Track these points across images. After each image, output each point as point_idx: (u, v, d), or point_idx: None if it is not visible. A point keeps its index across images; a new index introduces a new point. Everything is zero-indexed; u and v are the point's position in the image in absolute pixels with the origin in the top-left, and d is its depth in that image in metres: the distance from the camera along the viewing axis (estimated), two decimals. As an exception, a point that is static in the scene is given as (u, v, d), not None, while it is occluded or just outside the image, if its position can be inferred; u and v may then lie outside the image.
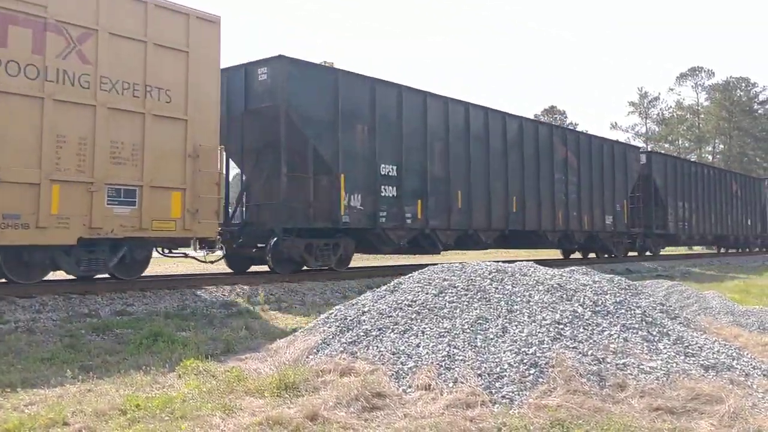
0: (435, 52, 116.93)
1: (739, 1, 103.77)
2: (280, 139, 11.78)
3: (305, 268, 12.48)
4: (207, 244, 10.32)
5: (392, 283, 6.18)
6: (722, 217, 29.01)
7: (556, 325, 5.05)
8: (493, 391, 4.33)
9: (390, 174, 13.23)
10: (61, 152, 8.41)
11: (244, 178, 13.52)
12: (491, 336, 4.98)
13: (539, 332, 4.95)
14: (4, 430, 3.69)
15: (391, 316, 5.43)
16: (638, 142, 66.25)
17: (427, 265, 6.75)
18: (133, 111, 9.13)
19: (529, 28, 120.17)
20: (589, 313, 5.32)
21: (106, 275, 9.82)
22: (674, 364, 4.70)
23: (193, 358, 5.34)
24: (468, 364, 4.62)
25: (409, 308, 5.50)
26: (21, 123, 8.13)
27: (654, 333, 5.19)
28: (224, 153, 10.60)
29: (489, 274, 5.97)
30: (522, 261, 6.86)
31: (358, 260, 20.12)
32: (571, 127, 19.61)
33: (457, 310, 5.39)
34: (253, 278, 11.90)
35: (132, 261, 9.66)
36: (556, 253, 23.47)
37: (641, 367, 4.62)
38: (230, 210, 13.26)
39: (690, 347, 5.08)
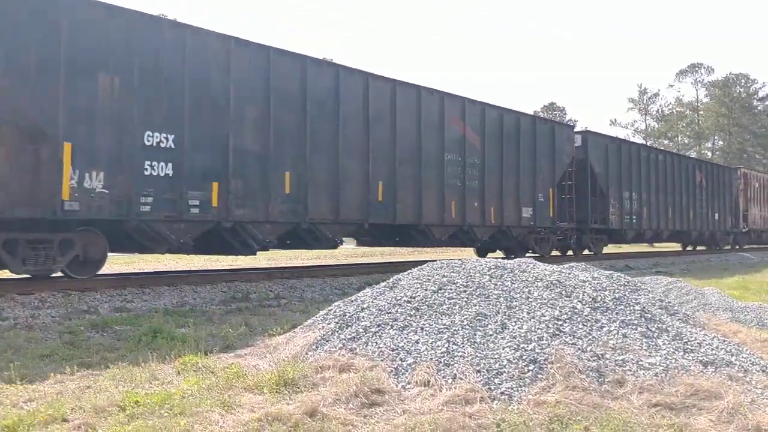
0: (435, 51, 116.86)
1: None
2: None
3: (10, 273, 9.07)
4: None
5: (391, 280, 6.18)
6: (683, 210, 25.17)
7: (555, 322, 5.05)
8: (492, 387, 4.33)
9: (162, 146, 9.57)
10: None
11: None
12: (490, 332, 4.98)
13: (538, 328, 4.95)
14: (3, 426, 3.69)
15: (390, 313, 5.42)
16: (638, 139, 66.19)
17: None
18: None
19: (529, 28, 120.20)
20: (588, 309, 5.32)
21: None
22: (673, 360, 4.71)
23: (192, 354, 5.34)
24: (467, 361, 4.62)
25: (408, 304, 5.50)
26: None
27: (653, 329, 5.19)
28: None
29: (488, 271, 5.97)
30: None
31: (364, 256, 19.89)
32: (475, 98, 15.36)
33: (456, 307, 5.38)
34: (252, 275, 11.91)
35: None
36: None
37: (640, 363, 4.63)
38: None
39: (689, 343, 5.08)
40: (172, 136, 9.71)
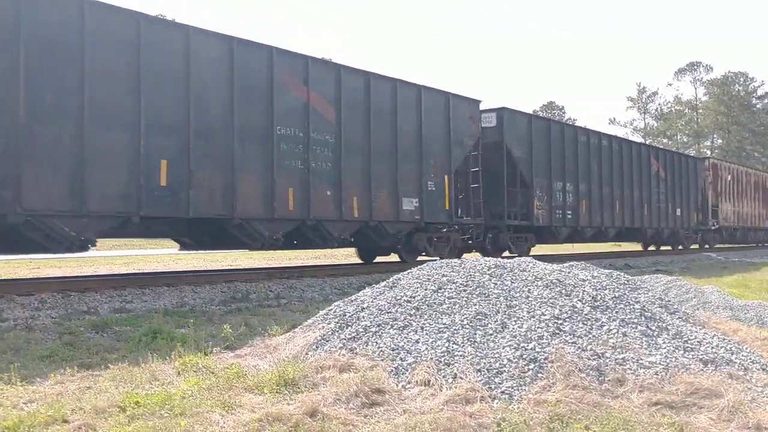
0: (435, 51, 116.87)
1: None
2: None
3: None
4: None
5: (391, 279, 6.17)
6: (634, 205, 21.32)
7: (555, 321, 5.05)
8: (493, 386, 4.33)
9: None
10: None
11: None
12: (490, 331, 4.98)
13: (538, 327, 4.95)
14: (3, 427, 3.69)
15: (390, 312, 5.42)
16: (637, 137, 66.20)
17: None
18: None
19: (529, 28, 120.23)
20: (588, 308, 5.32)
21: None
22: (673, 359, 4.71)
23: (192, 354, 5.33)
24: (467, 360, 4.62)
25: (408, 304, 5.50)
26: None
27: (653, 328, 5.19)
28: None
29: (488, 270, 5.97)
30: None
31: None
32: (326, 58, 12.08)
33: (456, 306, 5.38)
34: (252, 275, 11.90)
35: None
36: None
37: (640, 361, 4.63)
38: None
39: (689, 342, 5.08)
40: None
